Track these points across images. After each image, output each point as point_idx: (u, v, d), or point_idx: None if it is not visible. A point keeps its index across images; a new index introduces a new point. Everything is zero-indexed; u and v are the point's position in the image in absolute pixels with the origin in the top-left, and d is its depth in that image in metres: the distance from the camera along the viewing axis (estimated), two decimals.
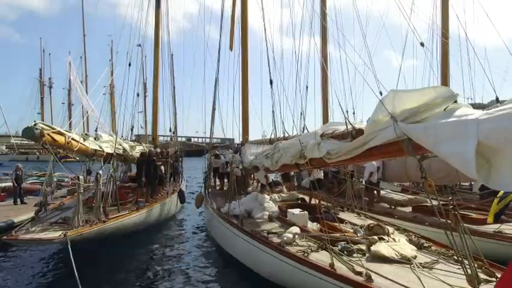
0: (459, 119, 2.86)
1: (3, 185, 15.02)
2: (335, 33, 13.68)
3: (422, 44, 8.28)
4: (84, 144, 9.04)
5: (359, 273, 4.78)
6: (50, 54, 53.66)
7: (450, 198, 3.91)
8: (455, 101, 3.29)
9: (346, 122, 5.03)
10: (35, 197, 13.82)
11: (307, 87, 15.25)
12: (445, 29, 14.22)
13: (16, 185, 13.22)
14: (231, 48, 15.29)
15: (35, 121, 7.51)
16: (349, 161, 5.11)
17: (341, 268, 5.06)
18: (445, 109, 3.22)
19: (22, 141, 41.22)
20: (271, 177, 14.19)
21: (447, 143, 2.84)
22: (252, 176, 14.29)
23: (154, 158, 12.42)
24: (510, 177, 2.56)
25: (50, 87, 52.80)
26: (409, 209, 10.24)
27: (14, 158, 34.86)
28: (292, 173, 14.26)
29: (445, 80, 14.67)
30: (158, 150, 15.62)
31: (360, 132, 4.64)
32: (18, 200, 13.11)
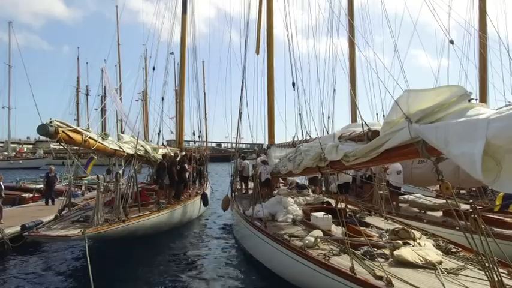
0: (469, 119, 2.75)
1: (38, 186, 15.89)
2: (360, 34, 13.41)
3: (452, 42, 7.97)
4: (102, 144, 8.94)
5: (380, 278, 4.65)
6: (87, 63, 55.96)
7: (471, 201, 3.72)
8: (470, 100, 3.16)
9: (362, 123, 4.93)
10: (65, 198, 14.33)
11: (334, 90, 15.01)
12: (483, 30, 13.47)
13: (48, 186, 13.81)
14: (257, 52, 15.32)
15: (50, 119, 7.48)
16: (366, 163, 5.00)
17: (362, 272, 4.95)
18: (459, 108, 3.10)
19: (59, 146, 43.36)
20: (298, 180, 14.11)
21: (457, 143, 2.73)
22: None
23: (178, 160, 12.48)
24: None
25: (87, 94, 55.27)
26: (439, 214, 9.83)
27: (50, 162, 36.94)
28: (319, 177, 14.07)
29: (483, 85, 13.88)
30: (183, 153, 15.57)
31: (375, 133, 4.52)
32: (50, 201, 13.60)
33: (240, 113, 14.20)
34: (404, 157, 4.27)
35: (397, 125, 3.90)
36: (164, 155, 12.15)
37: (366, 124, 4.82)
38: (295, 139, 10.07)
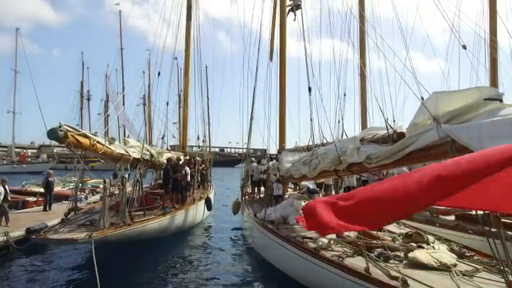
0: (504, 118, 2.86)
1: (43, 190, 15.80)
2: (372, 39, 13.49)
3: (464, 47, 7.99)
4: (109, 148, 8.97)
5: (395, 278, 4.66)
6: (88, 68, 55.95)
7: None
8: (501, 101, 3.26)
9: (386, 126, 5.02)
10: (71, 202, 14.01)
11: (345, 95, 15.05)
12: (494, 35, 13.55)
13: (47, 191, 13.63)
14: (271, 58, 15.42)
15: (59, 123, 7.53)
16: (389, 165, 5.09)
17: (376, 273, 4.95)
18: (490, 108, 3.21)
19: (62, 151, 43.97)
20: (310, 185, 14.15)
21: (492, 141, 2.84)
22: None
23: (182, 164, 12.48)
24: None
25: (89, 99, 55.34)
26: (452, 218, 9.84)
27: (53, 167, 36.75)
28: (330, 182, 14.10)
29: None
30: (187, 157, 15.55)
31: (401, 135, 4.62)
32: (47, 206, 13.31)
33: (251, 118, 14.39)
34: (431, 158, 4.34)
35: (424, 126, 4.00)
36: (169, 160, 12.14)
37: (390, 126, 4.92)
38: (310, 143, 10.14)
